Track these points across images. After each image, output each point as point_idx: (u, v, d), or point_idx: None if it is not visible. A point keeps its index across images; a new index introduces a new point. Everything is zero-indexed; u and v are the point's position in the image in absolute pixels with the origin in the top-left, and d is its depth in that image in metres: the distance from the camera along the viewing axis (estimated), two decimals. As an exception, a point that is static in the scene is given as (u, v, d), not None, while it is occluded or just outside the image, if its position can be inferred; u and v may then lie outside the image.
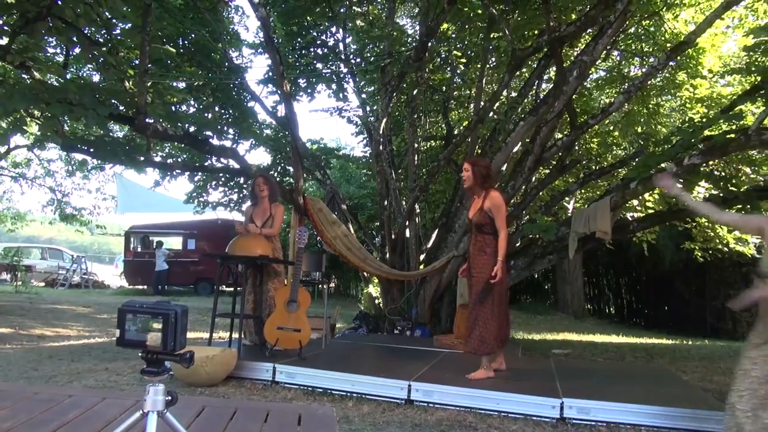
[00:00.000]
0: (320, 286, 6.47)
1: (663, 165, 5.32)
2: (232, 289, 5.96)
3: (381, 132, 7.62)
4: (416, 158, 8.82)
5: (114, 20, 5.38)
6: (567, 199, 9.24)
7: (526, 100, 8.06)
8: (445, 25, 7.98)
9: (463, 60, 8.72)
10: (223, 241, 6.25)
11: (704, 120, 5.89)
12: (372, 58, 8.59)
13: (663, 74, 8.15)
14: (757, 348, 2.48)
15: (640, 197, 7.59)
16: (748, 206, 5.30)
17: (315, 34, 8.72)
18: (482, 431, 3.16)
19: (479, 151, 7.47)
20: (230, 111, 8.61)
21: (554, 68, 7.16)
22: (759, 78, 5.30)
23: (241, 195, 10.08)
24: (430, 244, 7.67)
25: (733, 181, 6.00)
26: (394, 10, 8.69)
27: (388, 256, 7.45)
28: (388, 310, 7.25)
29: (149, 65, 5.38)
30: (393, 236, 7.51)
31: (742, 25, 8.28)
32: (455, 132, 8.94)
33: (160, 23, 6.49)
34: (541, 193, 8.25)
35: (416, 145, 8.89)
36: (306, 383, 3.97)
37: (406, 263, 7.36)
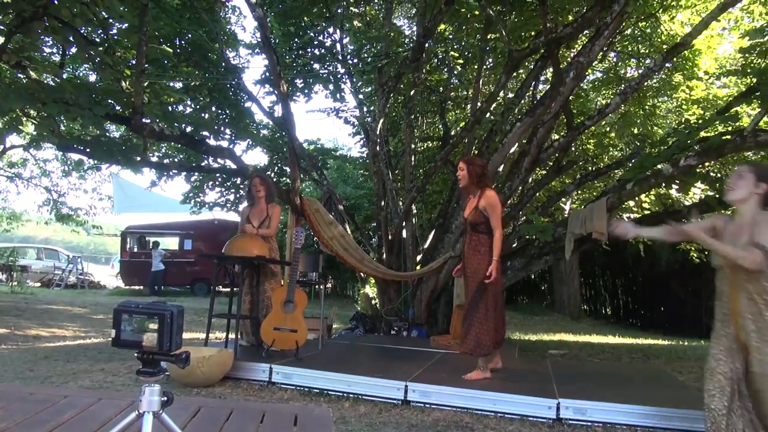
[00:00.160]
0: (317, 286, 6.45)
1: (659, 166, 5.34)
2: (228, 289, 5.95)
3: (378, 132, 7.62)
4: (413, 159, 8.83)
5: (110, 20, 5.37)
6: (563, 200, 9.26)
7: (522, 101, 8.07)
8: (442, 26, 7.99)
9: (460, 61, 8.73)
10: (219, 241, 6.25)
11: (700, 121, 5.90)
12: (369, 59, 8.59)
13: (659, 76, 8.18)
14: (718, 341, 2.50)
15: (637, 198, 7.60)
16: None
17: (312, 34, 8.71)
18: (479, 432, 3.16)
19: (476, 152, 7.48)
20: (227, 111, 8.60)
21: (551, 69, 7.16)
22: (755, 80, 5.32)
23: (238, 195, 10.07)
24: (426, 245, 7.68)
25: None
26: (391, 10, 8.70)
27: (384, 256, 7.45)
28: (385, 310, 7.25)
29: (146, 65, 5.36)
30: (390, 237, 7.52)
31: (738, 27, 8.31)
32: (452, 133, 8.95)
33: (157, 23, 6.48)
34: (537, 194, 8.26)
35: (413, 146, 8.90)
36: (302, 384, 3.96)
37: (402, 264, 7.37)
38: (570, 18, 6.99)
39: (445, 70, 9.15)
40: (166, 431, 1.62)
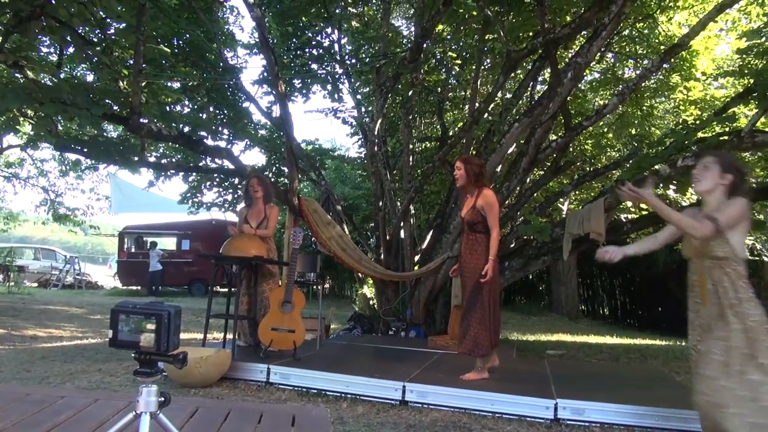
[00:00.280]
0: (315, 286, 6.45)
1: (657, 167, 5.35)
2: (226, 289, 5.94)
3: (376, 133, 7.62)
4: (411, 159, 8.83)
5: (108, 20, 5.35)
6: (561, 200, 9.28)
7: (520, 102, 8.08)
8: (440, 27, 8.00)
9: (458, 61, 8.74)
10: (217, 241, 6.24)
11: (698, 122, 5.92)
12: (367, 59, 8.60)
13: (657, 76, 8.20)
14: (693, 331, 2.49)
15: (634, 198, 7.61)
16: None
17: (310, 34, 8.72)
18: (476, 432, 3.16)
19: (474, 152, 7.49)
20: (225, 111, 8.60)
21: (549, 70, 7.18)
22: (752, 80, 5.34)
23: (236, 196, 10.07)
24: (424, 245, 7.68)
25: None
26: (389, 11, 8.69)
27: (382, 256, 7.45)
28: (383, 311, 7.25)
29: (144, 65, 5.36)
30: (388, 237, 7.52)
31: (735, 28, 8.35)
32: (450, 133, 8.95)
33: (155, 23, 6.47)
34: (535, 195, 8.27)
35: (411, 146, 8.90)
36: (300, 384, 3.96)
37: (400, 264, 7.36)
38: (568, 19, 7.00)
39: (443, 70, 9.16)
40: (164, 432, 1.62)
